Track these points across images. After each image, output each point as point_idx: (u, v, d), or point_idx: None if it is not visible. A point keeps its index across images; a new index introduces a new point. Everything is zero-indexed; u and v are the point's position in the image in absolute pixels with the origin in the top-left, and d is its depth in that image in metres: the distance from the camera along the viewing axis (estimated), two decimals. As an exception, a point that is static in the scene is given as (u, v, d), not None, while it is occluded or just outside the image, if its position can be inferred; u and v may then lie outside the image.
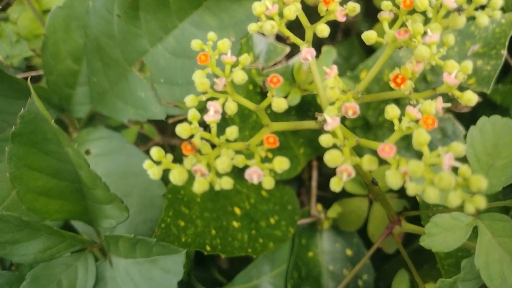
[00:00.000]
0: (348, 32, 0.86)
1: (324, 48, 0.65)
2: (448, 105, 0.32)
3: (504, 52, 0.54)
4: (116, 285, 0.46)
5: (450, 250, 0.40)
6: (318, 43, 0.79)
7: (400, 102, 0.62)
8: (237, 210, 0.59)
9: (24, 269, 0.53)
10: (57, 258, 0.47)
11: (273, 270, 0.63)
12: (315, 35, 0.92)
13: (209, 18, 0.45)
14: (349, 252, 0.68)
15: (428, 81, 0.63)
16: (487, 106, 0.64)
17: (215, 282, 0.66)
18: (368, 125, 0.68)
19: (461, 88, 0.60)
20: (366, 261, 0.67)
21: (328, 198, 0.71)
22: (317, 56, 0.66)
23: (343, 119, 0.69)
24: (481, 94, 0.60)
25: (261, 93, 0.60)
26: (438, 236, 0.41)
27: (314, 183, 0.71)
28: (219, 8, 0.44)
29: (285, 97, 0.61)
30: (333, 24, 0.84)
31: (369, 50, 0.75)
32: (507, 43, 0.55)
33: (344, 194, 0.67)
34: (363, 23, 0.84)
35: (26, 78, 0.64)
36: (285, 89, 0.60)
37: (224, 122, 0.60)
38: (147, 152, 0.69)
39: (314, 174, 0.72)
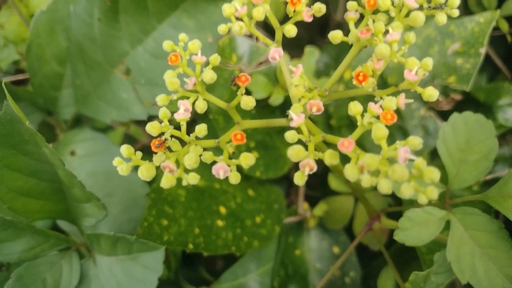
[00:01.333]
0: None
1: (307, 49, 0.66)
2: (411, 101, 0.33)
3: (483, 50, 0.55)
4: (100, 282, 0.47)
5: (423, 244, 0.41)
6: (307, 42, 0.80)
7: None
8: (222, 209, 0.60)
9: (14, 268, 0.54)
10: (42, 257, 0.48)
11: (259, 268, 0.63)
12: (306, 35, 0.93)
13: (187, 20, 0.46)
14: (336, 249, 0.69)
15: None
16: (470, 104, 0.65)
17: (203, 281, 0.67)
18: (353, 124, 0.69)
19: (445, 87, 0.62)
20: (351, 257, 0.67)
21: (317, 197, 0.71)
22: (300, 57, 0.67)
23: (328, 118, 0.70)
24: (463, 92, 0.61)
25: (245, 93, 0.61)
26: (411, 230, 0.42)
27: (301, 182, 0.72)
28: (196, 9, 0.45)
29: (268, 97, 0.62)
30: (323, 23, 0.84)
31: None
32: (485, 42, 0.56)
33: (331, 192, 0.68)
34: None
35: (14, 82, 0.65)
36: (268, 89, 0.61)
37: (209, 122, 0.61)
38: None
39: (301, 173, 0.72)
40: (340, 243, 0.69)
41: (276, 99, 0.61)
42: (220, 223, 0.58)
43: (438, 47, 0.59)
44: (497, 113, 0.62)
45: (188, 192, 0.58)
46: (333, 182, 0.66)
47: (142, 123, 0.67)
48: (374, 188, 0.65)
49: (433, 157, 0.65)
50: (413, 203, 0.56)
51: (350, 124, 0.69)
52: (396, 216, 0.58)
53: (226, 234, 0.57)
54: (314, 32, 0.87)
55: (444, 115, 0.63)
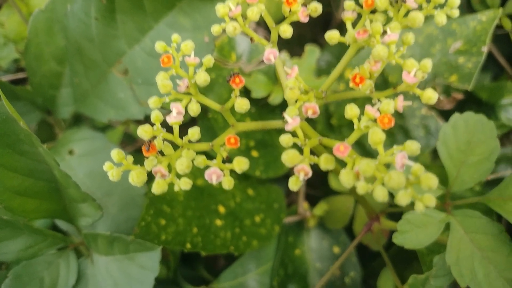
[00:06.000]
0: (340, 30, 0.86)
1: (307, 47, 0.65)
2: (409, 103, 0.32)
3: (485, 49, 0.54)
4: (97, 281, 0.47)
5: (422, 247, 0.41)
6: (310, 40, 0.79)
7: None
8: (222, 209, 0.60)
9: (13, 267, 0.54)
10: (39, 256, 0.48)
11: (259, 267, 0.63)
12: (309, 33, 0.92)
13: (183, 19, 0.46)
14: (336, 249, 0.69)
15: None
16: (473, 103, 0.64)
17: (203, 280, 0.67)
18: (353, 123, 0.68)
19: (447, 86, 0.61)
20: (351, 257, 0.67)
21: (317, 196, 0.71)
22: (301, 55, 0.66)
23: (329, 118, 0.69)
24: (465, 91, 0.60)
25: (244, 92, 0.61)
26: (410, 233, 0.41)
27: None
28: (192, 9, 0.45)
29: (268, 96, 0.61)
30: (326, 21, 0.84)
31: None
32: (488, 40, 0.55)
33: (331, 191, 0.67)
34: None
35: (14, 80, 0.65)
36: (267, 88, 0.61)
37: (208, 122, 0.61)
38: (134, 152, 0.70)
39: (302, 172, 0.71)
40: (341, 243, 0.68)
41: (276, 98, 0.60)
42: (219, 222, 0.58)
43: (440, 45, 0.58)
44: (500, 112, 0.61)
45: (186, 191, 0.57)
46: (334, 182, 0.66)
47: (141, 122, 0.67)
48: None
49: (435, 157, 0.64)
50: (413, 204, 0.55)
51: (351, 124, 0.68)
52: (396, 216, 0.58)
53: (225, 234, 0.57)
54: (317, 30, 0.86)
55: (445, 115, 0.62)
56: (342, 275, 0.67)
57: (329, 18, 0.82)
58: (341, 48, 0.84)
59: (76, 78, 0.53)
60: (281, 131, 0.70)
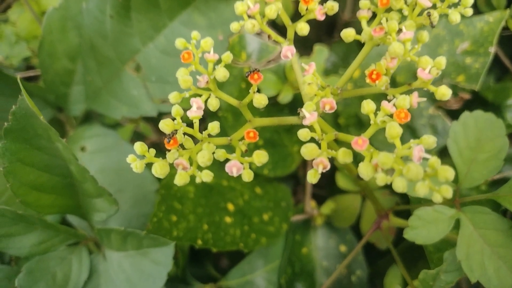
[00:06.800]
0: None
1: (316, 47, 0.66)
2: (423, 99, 0.33)
3: (492, 49, 0.55)
4: (109, 277, 0.48)
5: (433, 242, 0.41)
6: (315, 42, 0.80)
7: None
8: (231, 206, 0.60)
9: (22, 263, 0.54)
10: (52, 251, 0.48)
11: (267, 265, 0.64)
12: (313, 34, 0.93)
13: (198, 18, 0.46)
14: (343, 248, 0.69)
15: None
16: (479, 104, 0.65)
17: (210, 278, 0.68)
18: (361, 123, 0.69)
19: (454, 86, 0.61)
20: (358, 256, 0.67)
21: (323, 196, 0.72)
22: (308, 56, 0.67)
23: (336, 117, 0.70)
24: (472, 91, 0.61)
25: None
26: (421, 229, 0.42)
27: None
28: (207, 7, 0.46)
29: (277, 95, 0.62)
30: (330, 23, 0.84)
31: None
32: (495, 41, 0.55)
33: (338, 191, 0.68)
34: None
35: (24, 78, 0.66)
36: (277, 87, 0.61)
37: (218, 119, 0.61)
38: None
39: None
40: (347, 242, 0.69)
41: (285, 97, 0.61)
42: (228, 219, 0.58)
43: (447, 46, 0.59)
44: (506, 112, 0.62)
45: (196, 189, 0.58)
46: (341, 181, 0.66)
47: (150, 120, 0.67)
48: (382, 187, 0.65)
49: (442, 156, 0.65)
50: (420, 201, 0.56)
51: (358, 123, 0.69)
52: (403, 215, 0.59)
53: (234, 231, 0.58)
54: (321, 32, 0.87)
55: (452, 114, 0.63)
56: (348, 273, 0.67)
57: (334, 20, 0.83)
58: (347, 49, 0.85)
59: (89, 75, 0.53)
60: (290, 130, 0.71)
